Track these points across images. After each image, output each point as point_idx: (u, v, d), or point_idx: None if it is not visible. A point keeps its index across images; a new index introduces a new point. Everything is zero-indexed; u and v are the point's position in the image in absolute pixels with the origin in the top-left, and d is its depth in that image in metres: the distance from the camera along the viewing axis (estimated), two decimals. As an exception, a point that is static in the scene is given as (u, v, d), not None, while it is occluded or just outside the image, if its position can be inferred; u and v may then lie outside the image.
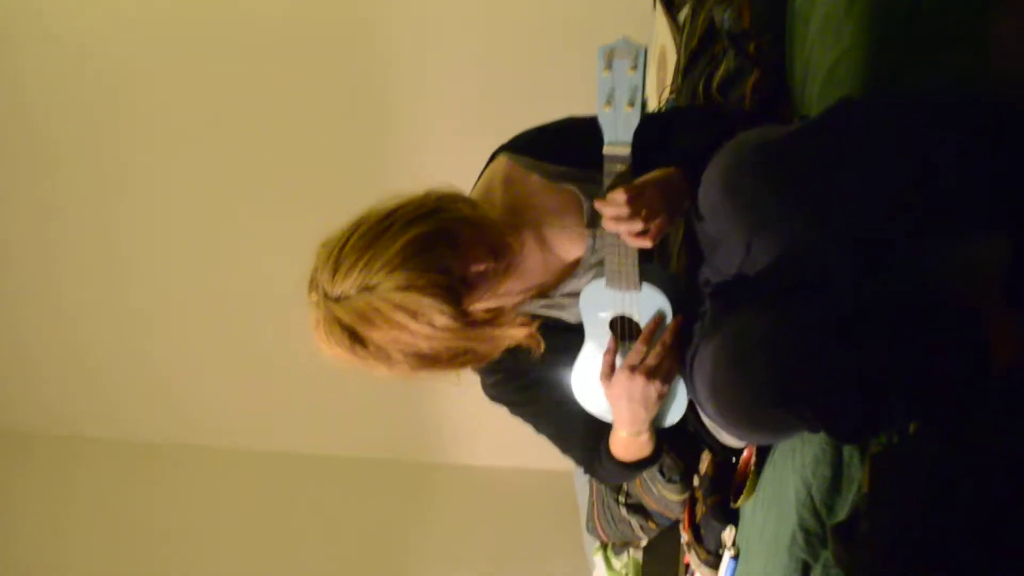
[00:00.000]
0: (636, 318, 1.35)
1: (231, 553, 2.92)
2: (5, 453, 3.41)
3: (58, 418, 3.52)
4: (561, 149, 1.42)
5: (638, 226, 1.20)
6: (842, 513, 1.24)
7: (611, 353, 1.38)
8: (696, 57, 1.80)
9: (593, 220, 1.36)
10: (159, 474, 3.34)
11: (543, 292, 1.46)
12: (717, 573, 1.66)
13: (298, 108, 2.97)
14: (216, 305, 3.30)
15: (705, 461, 1.73)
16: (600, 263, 1.33)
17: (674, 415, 1.41)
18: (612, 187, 1.20)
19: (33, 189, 3.25)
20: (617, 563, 2.09)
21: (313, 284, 1.27)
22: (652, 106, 2.15)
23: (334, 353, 1.28)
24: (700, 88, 1.73)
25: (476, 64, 2.82)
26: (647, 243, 1.23)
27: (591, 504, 2.14)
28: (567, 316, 1.45)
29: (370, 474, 3.29)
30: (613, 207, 1.19)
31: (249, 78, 2.96)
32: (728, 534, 1.64)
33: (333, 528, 3.04)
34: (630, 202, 1.18)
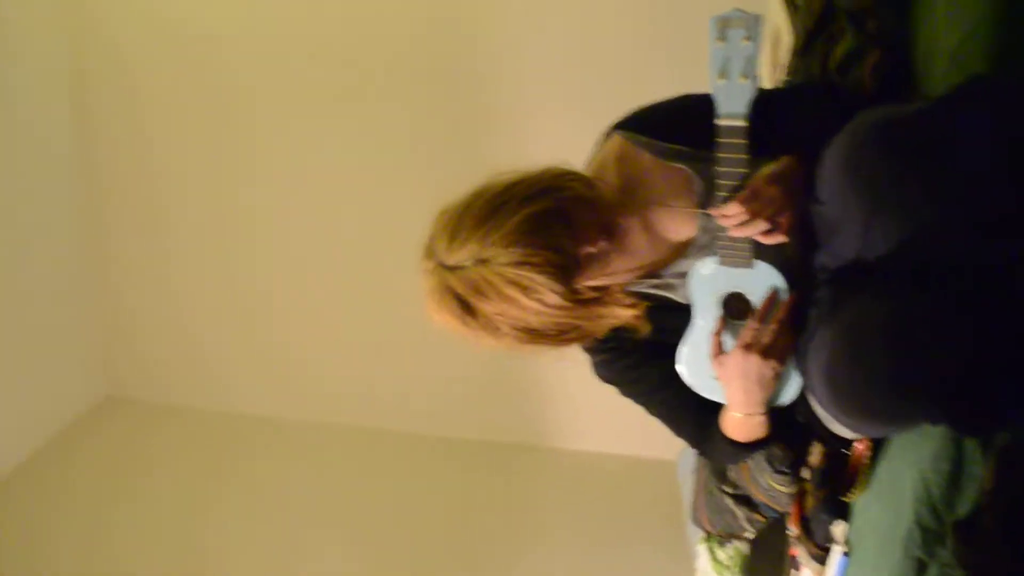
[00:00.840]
0: (748, 296, 1.32)
1: (337, 526, 2.99)
2: (142, 422, 3.63)
3: (213, 394, 3.69)
4: (675, 127, 1.40)
5: (763, 226, 1.19)
6: (963, 510, 1.19)
7: (721, 332, 1.36)
8: (813, 37, 1.75)
9: (706, 200, 1.33)
10: (276, 448, 3.46)
11: (653, 271, 1.44)
12: (825, 568, 1.62)
13: (406, 89, 3.01)
14: (335, 289, 3.38)
15: (816, 452, 1.69)
16: (712, 244, 1.31)
17: (788, 394, 1.38)
18: (730, 190, 1.20)
19: (154, 168, 3.41)
20: (721, 554, 2.06)
21: (429, 252, 1.29)
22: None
23: (443, 320, 1.30)
24: (817, 69, 1.68)
25: (583, 41, 2.79)
26: (780, 239, 1.21)
27: (696, 494, 2.11)
28: (677, 296, 1.43)
29: (477, 455, 3.34)
30: (730, 219, 1.19)
31: (359, 60, 3.01)
32: (838, 529, 1.60)
33: (435, 506, 3.09)
34: (747, 211, 1.17)
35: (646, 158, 1.41)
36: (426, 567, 2.84)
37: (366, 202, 3.19)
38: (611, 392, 1.62)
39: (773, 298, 1.30)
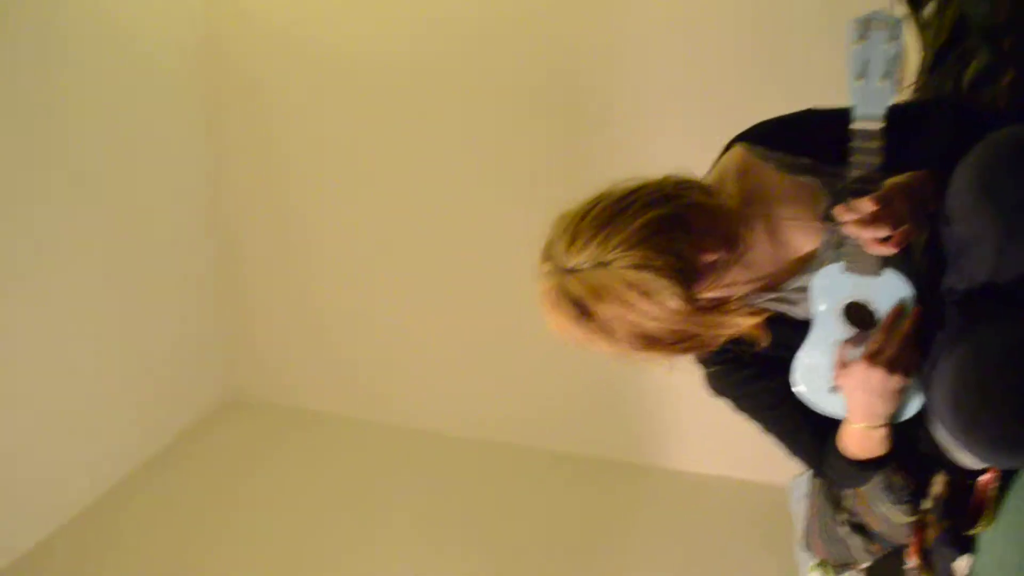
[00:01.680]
0: (873, 306, 1.29)
1: (440, 536, 3.03)
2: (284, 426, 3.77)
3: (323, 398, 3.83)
4: (799, 141, 1.38)
5: (883, 232, 1.16)
6: (1099, 547, 1.13)
7: (845, 342, 1.32)
8: (943, 55, 1.70)
9: (829, 214, 1.31)
10: (384, 453, 3.53)
11: (772, 285, 1.42)
12: (946, 603, 1.57)
13: (530, 100, 3.05)
14: (452, 300, 3.44)
15: (938, 483, 1.63)
16: (835, 259, 1.29)
17: (910, 410, 1.33)
18: (856, 193, 1.17)
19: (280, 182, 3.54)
20: (834, 584, 2.01)
21: (547, 254, 1.28)
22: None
23: (557, 323, 1.29)
24: (948, 87, 1.64)
25: (704, 55, 2.78)
26: (890, 250, 1.18)
27: (809, 520, 2.06)
28: (796, 311, 1.40)
29: (583, 471, 3.34)
30: (855, 214, 1.16)
31: (484, 70, 3.07)
32: (961, 563, 1.54)
33: (539, 520, 3.09)
34: (878, 214, 1.14)
35: (769, 171, 1.39)
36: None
37: (487, 214, 3.25)
38: (722, 413, 1.60)
39: (900, 309, 1.27)
